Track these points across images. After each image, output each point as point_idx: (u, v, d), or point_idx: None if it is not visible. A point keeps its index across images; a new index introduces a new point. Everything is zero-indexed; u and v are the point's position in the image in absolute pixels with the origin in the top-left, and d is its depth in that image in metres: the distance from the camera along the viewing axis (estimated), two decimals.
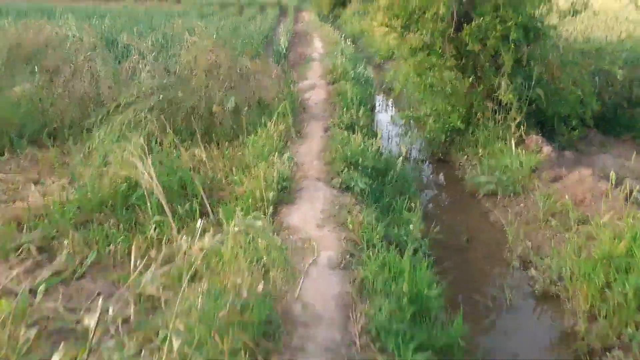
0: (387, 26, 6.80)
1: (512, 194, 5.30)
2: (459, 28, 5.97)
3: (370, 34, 18.51)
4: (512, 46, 5.47)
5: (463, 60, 6.23)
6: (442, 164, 6.72)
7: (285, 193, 4.47)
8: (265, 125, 6.08)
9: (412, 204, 4.50)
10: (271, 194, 4.16)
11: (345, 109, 7.00)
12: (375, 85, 11.52)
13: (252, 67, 6.66)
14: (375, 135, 6.18)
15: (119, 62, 7.70)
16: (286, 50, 13.34)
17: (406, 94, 9.03)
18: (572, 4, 6.29)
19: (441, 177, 6.34)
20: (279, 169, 4.70)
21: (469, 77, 6.12)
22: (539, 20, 6.15)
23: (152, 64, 6.75)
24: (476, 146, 6.31)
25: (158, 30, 13.01)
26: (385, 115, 9.29)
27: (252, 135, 5.71)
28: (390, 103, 10.31)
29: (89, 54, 6.73)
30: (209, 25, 18.45)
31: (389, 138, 7.60)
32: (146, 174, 3.77)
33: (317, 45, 14.97)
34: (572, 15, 6.34)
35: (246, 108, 6.57)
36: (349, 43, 14.73)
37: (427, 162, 6.84)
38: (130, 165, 4.07)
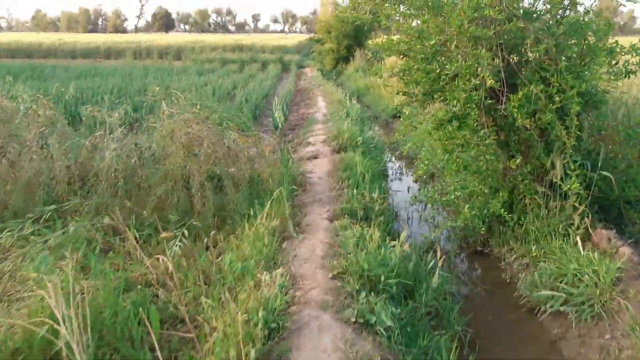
0: (404, 94, 5.62)
1: (589, 318, 3.88)
2: (496, 97, 4.77)
3: (375, 90, 17.63)
4: (574, 120, 4.22)
5: (503, 136, 4.99)
6: (481, 259, 5.34)
7: (276, 340, 3.07)
8: (256, 217, 4.79)
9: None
10: (253, 352, 2.77)
11: (355, 189, 5.71)
12: (387, 150, 10.35)
13: (242, 142, 5.43)
14: (397, 234, 4.83)
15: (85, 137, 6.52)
16: (286, 112, 12.29)
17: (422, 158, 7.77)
18: (624, 63, 5.10)
19: (483, 279, 4.95)
20: (268, 296, 3.34)
21: (512, 155, 4.84)
22: (592, 85, 4.96)
23: (119, 141, 5.55)
24: (525, 240, 4.95)
25: (140, 94, 11.98)
26: (402, 187, 7.98)
27: (235, 241, 4.38)
28: (407, 172, 9.04)
29: (42, 129, 5.54)
30: (208, 84, 17.70)
31: (409, 220, 6.27)
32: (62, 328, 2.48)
33: (321, 105, 13.97)
34: (626, 77, 5.14)
35: (233, 191, 5.31)
36: (354, 101, 13.73)
37: (462, 255, 5.46)
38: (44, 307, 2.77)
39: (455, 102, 4.79)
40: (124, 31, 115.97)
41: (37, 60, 31.60)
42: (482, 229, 5.10)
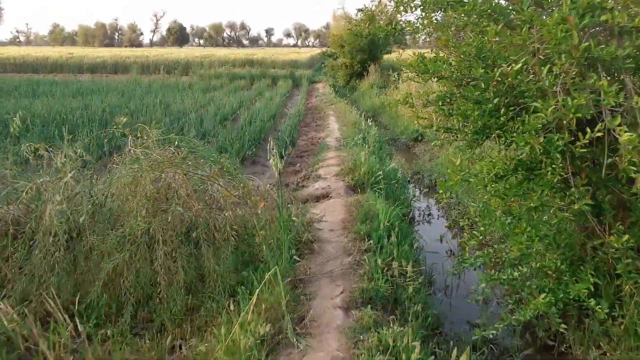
0: (445, 130, 4.22)
1: None
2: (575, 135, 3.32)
3: (392, 108, 16.22)
4: None
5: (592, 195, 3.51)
6: None
7: None
8: (240, 307, 3.38)
9: None
10: None
11: (378, 256, 4.27)
12: (411, 182, 8.91)
13: (228, 195, 4.03)
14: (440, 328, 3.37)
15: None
16: (294, 136, 10.92)
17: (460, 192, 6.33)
18: None
19: None
20: None
21: (611, 224, 3.38)
22: None
23: (67, 189, 4.19)
24: (625, 342, 3.46)
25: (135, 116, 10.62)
26: (433, 235, 6.49)
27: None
28: (437, 210, 7.55)
29: None
30: (211, 102, 16.45)
31: (448, 291, 4.79)
32: None
33: (333, 127, 12.59)
34: None
35: (213, 262, 3.90)
36: (370, 123, 12.33)
37: (529, 354, 3.96)
38: None
39: (522, 144, 3.34)
40: (140, 45, 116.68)
41: (42, 75, 30.81)
42: (560, 323, 3.61)
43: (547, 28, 2.49)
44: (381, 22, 25.44)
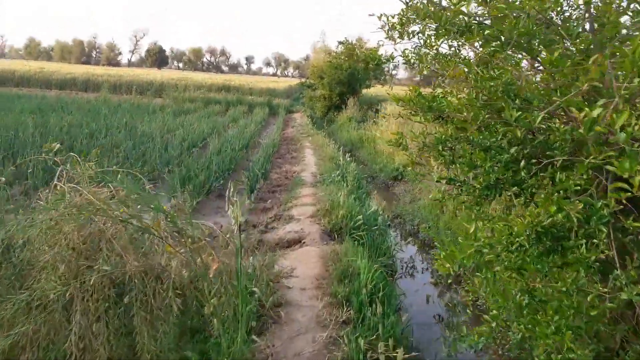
0: (448, 182, 3.52)
1: None
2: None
3: (370, 143, 15.67)
4: None
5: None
6: None
7: None
8: None
9: None
10: None
11: (359, 335, 3.44)
12: (391, 227, 8.17)
13: (171, 252, 3.16)
14: None
15: None
16: (267, 168, 10.10)
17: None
18: None
19: None
20: None
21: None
22: None
23: None
24: None
25: (94, 138, 9.72)
26: (419, 295, 5.70)
27: None
28: (421, 260, 6.78)
29: None
30: (181, 127, 15.56)
31: None
32: None
33: (309, 160, 11.85)
34: None
35: (148, 341, 3.01)
36: (348, 158, 11.65)
37: None
38: None
39: (553, 210, 2.62)
40: (117, 65, 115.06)
41: (7, 88, 29.38)
42: None
43: (630, 59, 1.79)
44: (361, 56, 25.30)
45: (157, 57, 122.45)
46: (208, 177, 8.63)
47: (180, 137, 12.89)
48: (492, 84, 2.67)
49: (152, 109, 20.73)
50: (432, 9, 2.97)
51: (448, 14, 2.92)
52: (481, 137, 2.91)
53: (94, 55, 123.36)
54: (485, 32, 2.74)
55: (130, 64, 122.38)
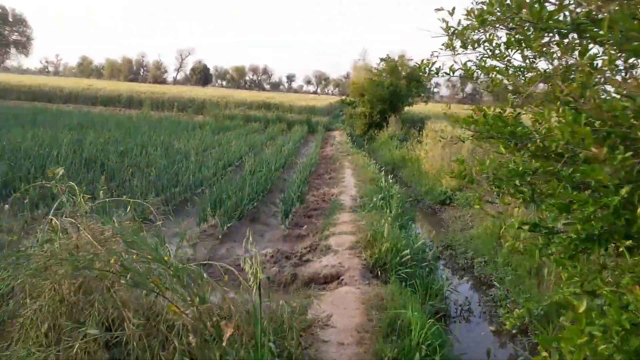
0: (532, 228, 2.76)
1: None
2: None
3: (414, 164, 14.83)
4: None
5: None
6: None
7: None
8: None
9: None
10: None
11: None
12: (441, 261, 7.35)
13: (176, 312, 2.52)
14: None
15: None
16: (304, 190, 9.46)
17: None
18: None
19: None
20: None
21: None
22: None
23: None
24: None
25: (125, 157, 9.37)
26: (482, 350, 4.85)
27: None
28: (485, 326, 5.90)
29: None
30: (219, 145, 15.23)
31: None
32: None
33: (349, 181, 11.15)
34: None
35: None
36: (390, 179, 10.89)
37: None
38: None
39: None
40: (164, 82, 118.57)
41: (55, 105, 30.31)
42: None
43: None
44: (403, 73, 24.57)
45: (201, 75, 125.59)
46: (241, 200, 8.07)
47: (217, 155, 12.49)
48: (627, 104, 1.91)
49: (192, 126, 20.64)
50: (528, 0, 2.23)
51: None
52: (591, 172, 2.14)
53: (142, 73, 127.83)
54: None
55: (175, 81, 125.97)
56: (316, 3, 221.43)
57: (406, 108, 25.32)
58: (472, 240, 8.04)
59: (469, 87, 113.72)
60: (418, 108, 27.53)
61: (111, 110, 29.48)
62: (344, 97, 28.96)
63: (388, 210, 7.78)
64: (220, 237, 7.11)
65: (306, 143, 21.32)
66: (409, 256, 5.72)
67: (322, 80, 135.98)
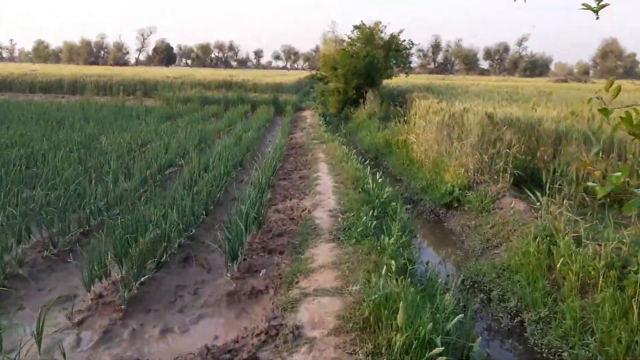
0: None
1: None
2: None
3: (402, 150, 12.22)
4: None
5: None
6: None
7: None
8: None
9: None
10: None
11: None
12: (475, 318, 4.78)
13: None
14: None
15: None
16: (262, 208, 6.69)
17: None
18: None
19: None
20: None
21: None
22: None
23: None
24: None
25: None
26: None
27: None
28: None
29: None
30: (162, 136, 12.28)
31: None
32: None
33: (325, 183, 8.44)
34: None
35: None
36: (379, 177, 8.28)
37: None
38: None
39: None
40: (125, 64, 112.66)
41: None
42: None
43: None
44: (380, 42, 21.75)
45: (165, 55, 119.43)
46: (165, 233, 5.32)
47: (153, 154, 9.59)
48: None
49: (137, 114, 17.51)
50: None
51: None
52: None
53: (102, 55, 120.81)
54: None
55: (138, 62, 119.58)
56: None
57: (384, 81, 22.60)
58: (508, 274, 5.51)
59: (440, 56, 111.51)
60: (395, 81, 24.83)
61: (51, 98, 25.86)
62: (314, 72, 26.02)
63: (387, 239, 5.15)
64: (123, 306, 4.38)
65: (272, 127, 18.47)
66: (442, 353, 3.14)
67: (292, 54, 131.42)
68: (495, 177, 8.29)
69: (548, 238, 5.52)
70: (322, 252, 5.18)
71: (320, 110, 22.46)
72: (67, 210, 6.10)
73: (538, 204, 6.29)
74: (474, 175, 8.46)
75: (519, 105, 13.04)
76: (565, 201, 6.01)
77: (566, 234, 5.36)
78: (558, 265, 4.96)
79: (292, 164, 10.77)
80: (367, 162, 11.69)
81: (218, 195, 7.65)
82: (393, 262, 4.31)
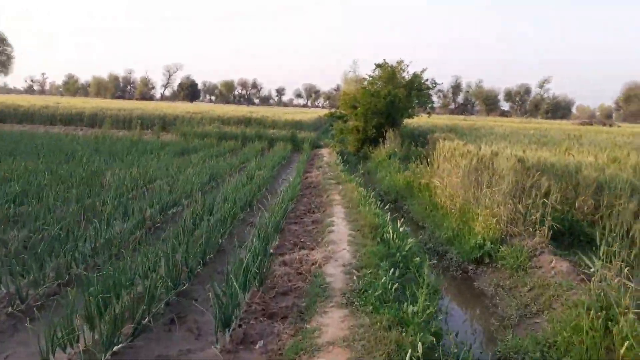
0: None
1: None
2: None
3: (424, 194, 11.39)
4: None
5: None
6: None
7: None
8: None
9: None
10: None
11: None
12: None
13: None
14: None
15: None
16: (262, 263, 5.89)
17: None
18: None
19: None
20: None
21: None
22: None
23: None
24: None
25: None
26: None
27: None
28: None
29: None
30: (170, 174, 11.70)
31: None
32: None
33: (339, 231, 7.64)
34: None
35: None
36: (399, 225, 7.45)
37: None
38: None
39: None
40: (151, 99, 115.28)
41: (9, 125, 26.81)
42: None
43: None
44: (401, 81, 21.28)
45: (189, 91, 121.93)
46: (149, 292, 4.55)
47: (158, 193, 8.96)
48: None
49: (151, 148, 17.13)
50: None
51: None
52: None
53: (129, 90, 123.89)
54: None
55: (163, 97, 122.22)
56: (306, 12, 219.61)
57: (405, 121, 21.96)
58: (556, 354, 4.56)
59: (460, 97, 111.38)
60: (416, 121, 24.20)
61: (72, 130, 25.94)
62: (332, 110, 25.60)
63: (411, 307, 4.29)
64: None
65: (289, 164, 17.86)
66: None
67: (312, 93, 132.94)
68: (531, 229, 7.39)
69: (604, 311, 4.58)
70: (333, 322, 4.33)
71: (339, 148, 21.86)
72: (47, 255, 5.41)
73: (587, 267, 5.37)
74: (507, 226, 7.57)
75: (549, 150, 12.21)
76: (619, 263, 5.09)
77: (627, 308, 4.42)
78: (622, 351, 4.01)
79: (305, 205, 10.01)
80: (387, 205, 10.88)
81: (221, 240, 6.91)
82: (419, 343, 3.45)
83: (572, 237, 7.75)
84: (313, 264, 5.86)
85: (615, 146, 13.81)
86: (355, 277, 5.28)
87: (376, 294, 4.69)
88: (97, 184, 9.70)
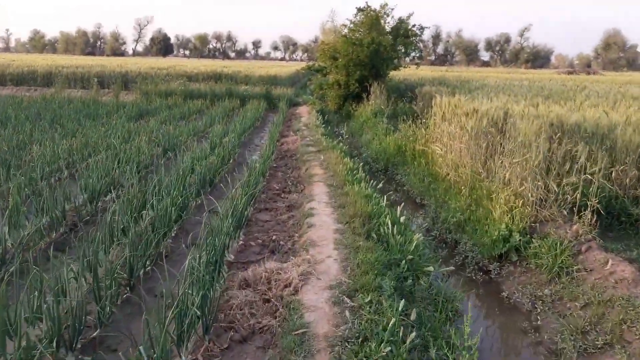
0: None
1: None
2: None
3: (419, 161, 9.68)
4: None
5: None
6: None
7: None
8: None
9: None
10: None
11: None
12: None
13: None
14: None
15: None
16: (215, 284, 4.13)
17: None
18: None
19: None
20: None
21: None
22: None
23: None
24: None
25: None
26: None
27: None
28: None
29: None
30: (111, 145, 9.69)
31: None
32: None
33: (323, 221, 5.87)
34: None
35: None
36: (400, 214, 5.76)
37: None
38: None
39: None
40: (122, 54, 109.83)
41: None
42: None
43: None
44: (386, 27, 19.12)
45: (162, 45, 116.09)
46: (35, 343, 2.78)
47: (92, 174, 7.03)
48: None
49: (106, 110, 14.94)
50: None
51: None
52: None
53: (99, 46, 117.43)
54: None
55: (135, 53, 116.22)
56: None
57: (391, 72, 19.90)
58: None
59: (440, 47, 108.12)
60: (401, 73, 22.14)
61: (23, 91, 23.31)
62: (311, 63, 23.34)
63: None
64: None
65: (262, 126, 15.90)
66: None
67: (290, 45, 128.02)
68: (566, 212, 5.78)
69: None
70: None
71: (318, 106, 19.86)
72: None
73: None
74: (535, 209, 5.92)
75: (561, 105, 10.51)
76: None
77: None
78: None
79: (279, 182, 8.21)
80: (377, 175, 9.19)
81: (165, 240, 5.14)
82: None
83: (610, 218, 6.18)
84: (286, 286, 4.13)
85: (631, 98, 12.16)
86: (347, 312, 3.58)
87: (381, 353, 3.00)
88: (18, 162, 7.72)
